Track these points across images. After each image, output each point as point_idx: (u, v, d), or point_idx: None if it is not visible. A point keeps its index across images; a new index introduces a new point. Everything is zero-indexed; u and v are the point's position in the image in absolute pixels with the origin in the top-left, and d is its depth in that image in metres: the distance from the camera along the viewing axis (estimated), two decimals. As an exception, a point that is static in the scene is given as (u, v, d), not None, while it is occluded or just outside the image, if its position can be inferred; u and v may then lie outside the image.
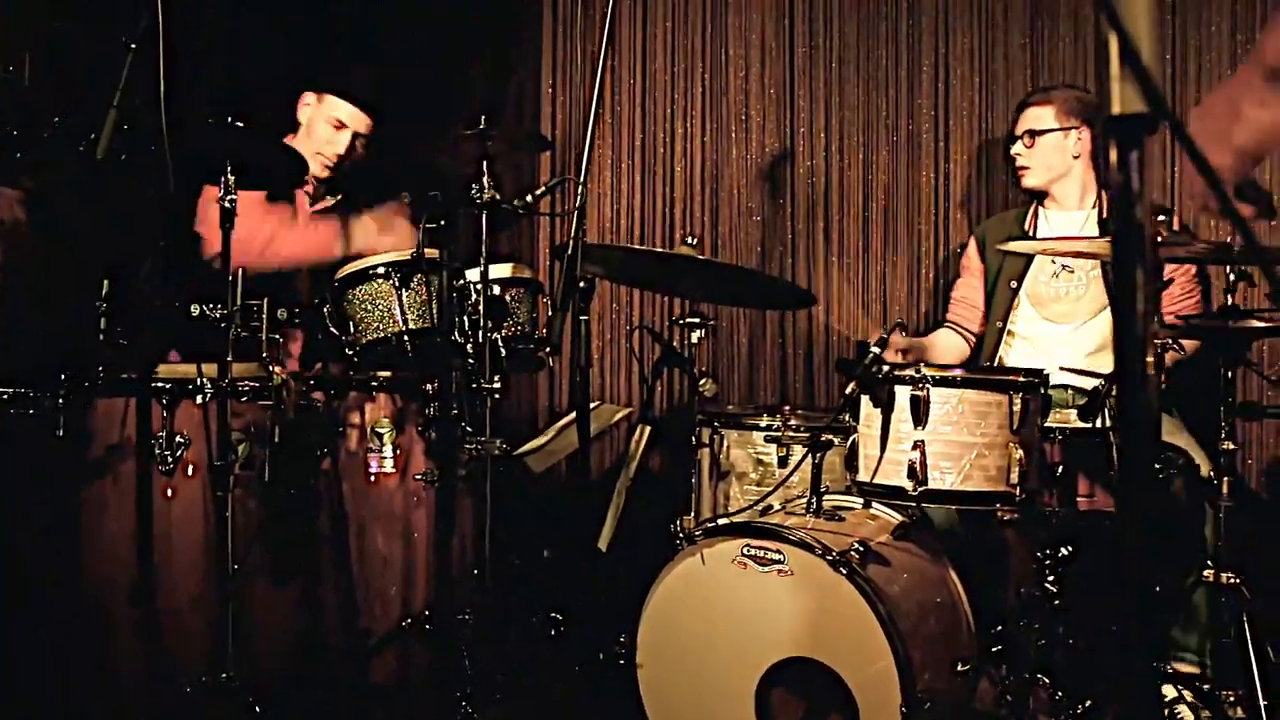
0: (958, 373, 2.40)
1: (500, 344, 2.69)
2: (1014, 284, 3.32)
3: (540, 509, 3.31)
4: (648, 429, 3.30)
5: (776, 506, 2.76)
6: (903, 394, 2.37)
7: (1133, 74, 0.84)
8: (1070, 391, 3.09)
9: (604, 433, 3.88)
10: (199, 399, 2.37)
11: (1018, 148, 3.33)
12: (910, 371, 2.36)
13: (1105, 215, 3.26)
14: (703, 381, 2.99)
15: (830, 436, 2.62)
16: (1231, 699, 2.36)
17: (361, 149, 3.30)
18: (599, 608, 2.89)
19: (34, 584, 2.43)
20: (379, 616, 2.73)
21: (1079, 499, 2.57)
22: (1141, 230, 0.87)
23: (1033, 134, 3.28)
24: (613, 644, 2.71)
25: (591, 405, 3.62)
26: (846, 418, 2.52)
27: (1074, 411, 2.67)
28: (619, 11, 4.06)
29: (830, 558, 2.32)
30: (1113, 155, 0.92)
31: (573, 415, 3.67)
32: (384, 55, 4.13)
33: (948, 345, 3.48)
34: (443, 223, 2.46)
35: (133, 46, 2.05)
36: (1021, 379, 2.38)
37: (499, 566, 2.79)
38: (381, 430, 2.75)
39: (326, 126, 3.25)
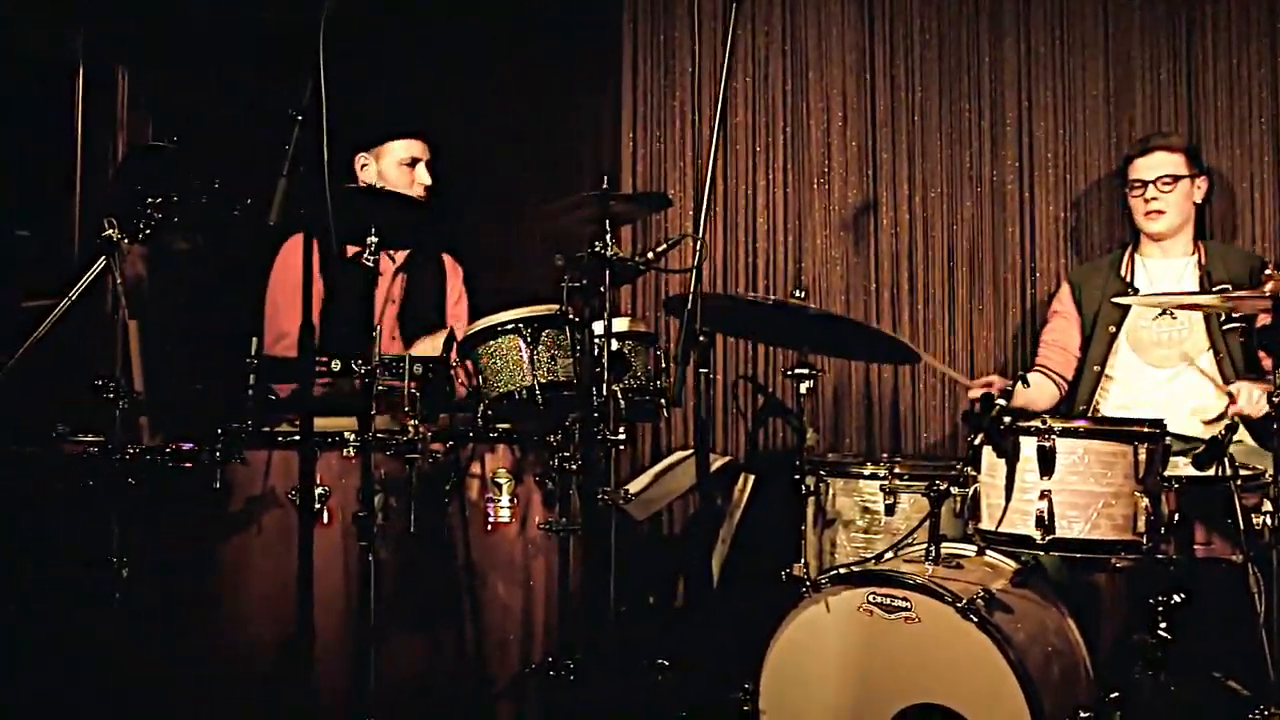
0: (1082, 424, 2.46)
1: (620, 396, 2.76)
2: (1113, 329, 3.37)
3: (644, 555, 3.38)
4: (751, 477, 3.38)
5: (890, 555, 2.81)
6: (1028, 445, 2.43)
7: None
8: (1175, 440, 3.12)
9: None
10: (345, 451, 2.47)
11: (1152, 191, 3.36)
12: (1036, 423, 2.42)
13: (1205, 263, 3.32)
14: (808, 431, 3.06)
15: (948, 485, 2.67)
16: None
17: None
18: (707, 654, 2.94)
19: (189, 629, 2.53)
20: (499, 662, 2.81)
21: (1196, 546, 2.61)
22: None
23: (1174, 178, 3.34)
24: (722, 691, 2.76)
25: (688, 453, 3.71)
26: (968, 468, 2.58)
27: (1182, 459, 2.72)
28: (700, 68, 4.17)
29: (959, 605, 2.37)
30: None
31: (669, 461, 3.74)
32: (481, 115, 4.26)
33: (1040, 389, 3.50)
34: (584, 282, 2.56)
35: (299, 118, 2.16)
36: (1145, 429, 2.44)
37: (612, 613, 2.85)
38: (500, 480, 2.83)
39: (400, 170, 3.31)
